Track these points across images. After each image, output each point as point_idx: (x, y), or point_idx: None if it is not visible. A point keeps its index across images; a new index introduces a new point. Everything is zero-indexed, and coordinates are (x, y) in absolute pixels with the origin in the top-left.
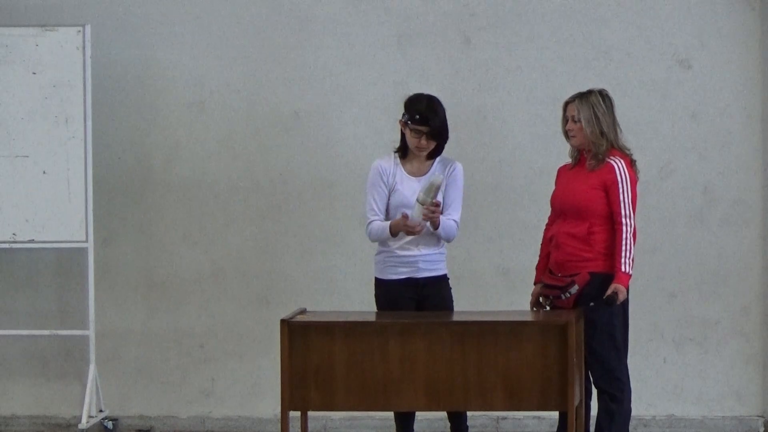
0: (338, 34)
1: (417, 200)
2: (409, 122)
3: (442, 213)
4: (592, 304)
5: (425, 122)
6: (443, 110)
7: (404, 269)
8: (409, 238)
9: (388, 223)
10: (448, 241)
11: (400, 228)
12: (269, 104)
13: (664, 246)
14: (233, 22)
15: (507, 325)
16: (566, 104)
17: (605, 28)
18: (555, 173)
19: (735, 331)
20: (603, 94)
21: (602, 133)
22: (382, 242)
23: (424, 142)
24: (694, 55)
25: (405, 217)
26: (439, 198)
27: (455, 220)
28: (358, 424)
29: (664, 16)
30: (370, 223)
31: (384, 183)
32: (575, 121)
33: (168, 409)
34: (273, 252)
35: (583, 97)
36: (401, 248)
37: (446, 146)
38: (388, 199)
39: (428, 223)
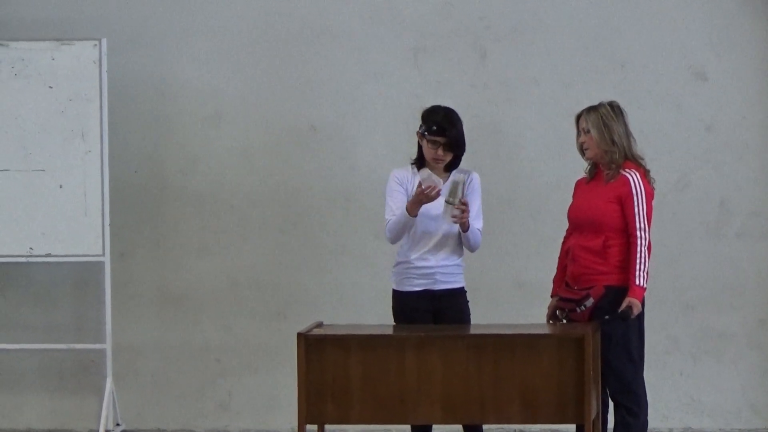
0: (355, 47)
1: (446, 201)
2: (426, 133)
3: None
4: (607, 317)
5: (442, 133)
6: (460, 122)
7: (421, 281)
8: (429, 246)
9: (403, 208)
10: (473, 249)
11: (417, 200)
12: (285, 118)
13: (681, 258)
14: (249, 36)
15: (523, 338)
16: (578, 118)
17: (621, 40)
18: (571, 186)
19: (751, 344)
20: (613, 105)
21: (613, 142)
22: (400, 235)
23: (441, 153)
24: (709, 66)
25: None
26: None
27: (478, 229)
28: None
29: (680, 28)
30: (388, 222)
31: (402, 188)
32: (586, 132)
33: (185, 422)
34: (289, 265)
35: (592, 108)
36: (420, 259)
37: (462, 159)
38: None
39: (458, 226)
